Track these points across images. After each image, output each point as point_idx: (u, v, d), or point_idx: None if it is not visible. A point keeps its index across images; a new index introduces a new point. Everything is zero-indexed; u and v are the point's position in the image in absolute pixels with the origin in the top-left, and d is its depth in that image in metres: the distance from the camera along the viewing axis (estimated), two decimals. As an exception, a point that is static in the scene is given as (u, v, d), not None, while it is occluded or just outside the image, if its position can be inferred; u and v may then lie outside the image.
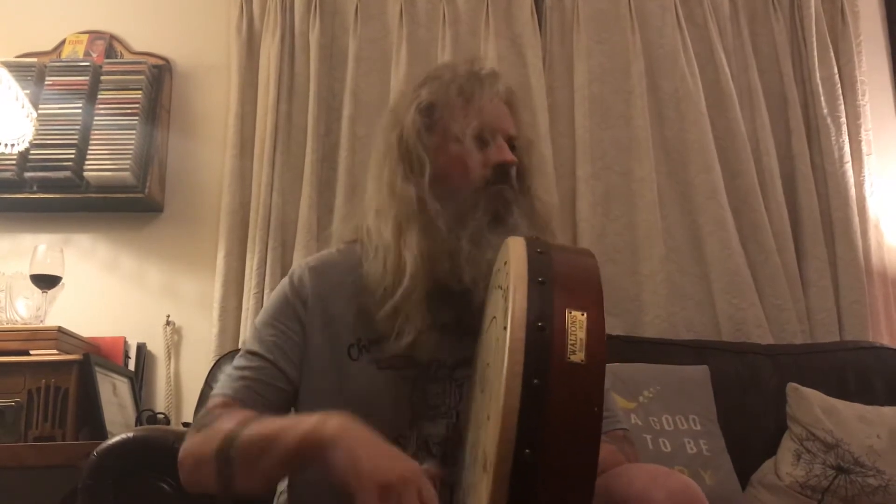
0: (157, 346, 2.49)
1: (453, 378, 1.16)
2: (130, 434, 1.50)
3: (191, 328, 2.50)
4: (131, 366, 2.42)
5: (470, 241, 1.10)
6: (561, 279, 0.84)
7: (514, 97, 1.26)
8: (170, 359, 2.46)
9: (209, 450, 1.02)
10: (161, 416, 2.27)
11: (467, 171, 1.15)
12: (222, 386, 1.17)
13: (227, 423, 1.04)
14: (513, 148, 1.19)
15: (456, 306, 1.13)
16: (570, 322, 0.80)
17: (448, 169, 1.16)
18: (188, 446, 1.09)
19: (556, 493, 0.77)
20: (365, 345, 1.15)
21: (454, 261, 1.10)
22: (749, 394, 2.15)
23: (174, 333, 2.49)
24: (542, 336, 0.79)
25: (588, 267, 0.89)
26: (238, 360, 1.18)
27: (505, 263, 0.92)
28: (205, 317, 2.47)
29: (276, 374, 1.15)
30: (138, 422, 2.22)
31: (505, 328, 0.81)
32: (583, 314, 0.81)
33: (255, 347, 1.18)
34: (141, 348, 2.46)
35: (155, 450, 1.49)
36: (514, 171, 1.18)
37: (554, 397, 0.77)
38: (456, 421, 1.14)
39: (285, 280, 1.23)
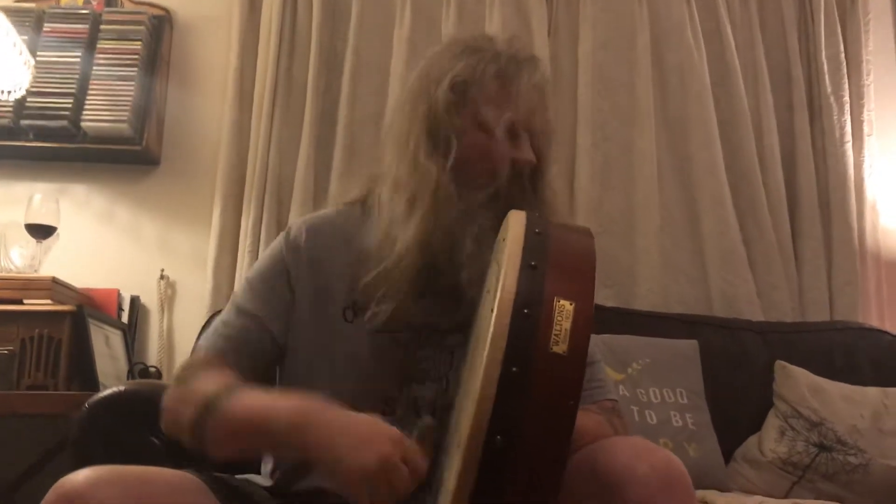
0: (150, 300, 2.49)
1: (445, 344, 1.15)
2: (122, 388, 1.51)
3: (185, 283, 2.51)
4: (124, 318, 2.43)
5: (474, 240, 1.08)
6: (554, 264, 0.83)
7: (548, 86, 1.22)
8: (163, 313, 2.47)
9: (187, 415, 1.03)
10: (153, 369, 2.28)
11: (491, 162, 1.13)
12: (208, 340, 1.17)
13: (207, 386, 1.04)
14: (535, 136, 1.17)
15: (449, 279, 1.12)
16: (557, 311, 0.79)
17: (471, 155, 1.13)
18: (169, 401, 1.10)
19: (523, 482, 0.77)
20: (361, 307, 1.14)
21: (455, 254, 1.09)
22: (737, 369, 2.17)
23: (168, 287, 2.49)
24: (526, 323, 0.78)
25: (584, 252, 0.88)
26: (226, 314, 1.18)
27: (504, 240, 0.92)
28: (199, 272, 2.46)
29: (263, 332, 1.15)
30: (130, 374, 2.24)
31: (492, 311, 0.81)
32: (571, 303, 0.80)
33: (245, 303, 1.17)
34: (134, 301, 2.47)
35: (146, 404, 1.48)
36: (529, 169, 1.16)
37: (531, 387, 0.77)
38: (446, 387, 1.14)
39: (281, 236, 1.22)
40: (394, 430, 0.89)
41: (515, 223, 0.90)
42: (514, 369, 0.77)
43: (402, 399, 1.14)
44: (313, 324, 1.16)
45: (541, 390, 0.77)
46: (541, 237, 0.87)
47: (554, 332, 0.78)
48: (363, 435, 0.89)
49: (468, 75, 1.15)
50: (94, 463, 1.45)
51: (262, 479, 1.24)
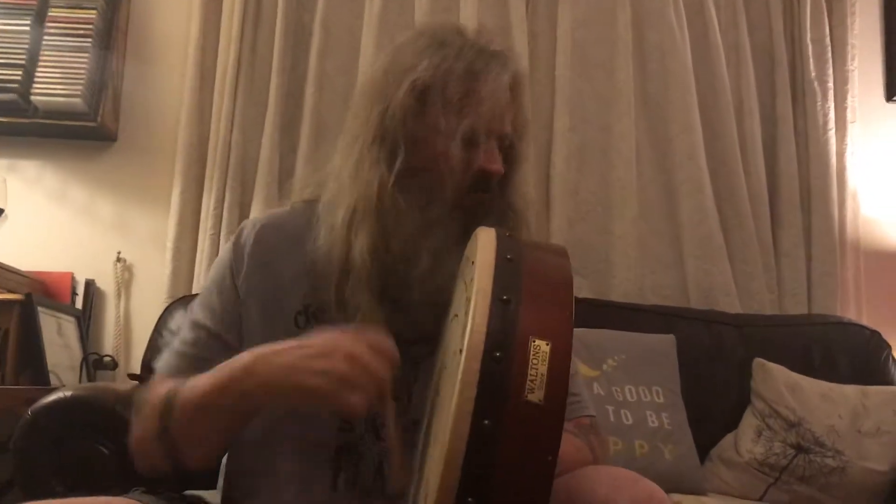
0: (106, 284, 2.38)
1: (409, 355, 1.06)
2: (68, 393, 1.43)
3: (143, 266, 2.40)
4: (79, 303, 2.32)
5: (431, 255, 1.01)
6: (528, 297, 0.74)
7: (520, 82, 1.12)
8: (120, 297, 2.36)
9: (149, 427, 0.97)
10: (108, 358, 2.19)
11: (448, 171, 1.04)
12: (165, 362, 1.10)
13: (160, 391, 0.98)
14: (504, 138, 1.09)
15: (409, 292, 1.04)
16: (532, 353, 0.71)
17: (428, 164, 1.05)
18: (134, 432, 1.02)
19: None
20: (314, 312, 1.07)
21: (407, 270, 1.01)
22: (714, 365, 2.12)
23: (125, 271, 2.39)
24: (498, 369, 0.70)
25: (561, 280, 0.79)
26: (183, 332, 1.11)
27: (472, 262, 0.83)
28: (158, 255, 2.36)
29: (220, 346, 1.07)
30: (84, 364, 2.13)
31: (460, 351, 0.73)
32: (547, 343, 0.71)
33: (200, 317, 1.10)
34: (89, 285, 2.36)
35: (94, 410, 1.42)
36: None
37: (505, 442, 0.69)
38: (408, 403, 1.07)
39: (230, 241, 1.15)
40: (344, 331, 0.88)
41: (485, 246, 0.81)
42: (485, 422, 0.69)
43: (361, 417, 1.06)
44: (263, 330, 1.08)
45: (515, 445, 0.70)
46: (513, 264, 0.78)
47: (529, 378, 0.70)
48: (316, 347, 0.88)
49: (429, 77, 1.05)
50: (36, 473, 1.40)
51: (212, 497, 1.18)
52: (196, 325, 1.10)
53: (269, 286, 1.09)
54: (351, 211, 1.03)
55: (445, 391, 0.80)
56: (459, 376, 0.71)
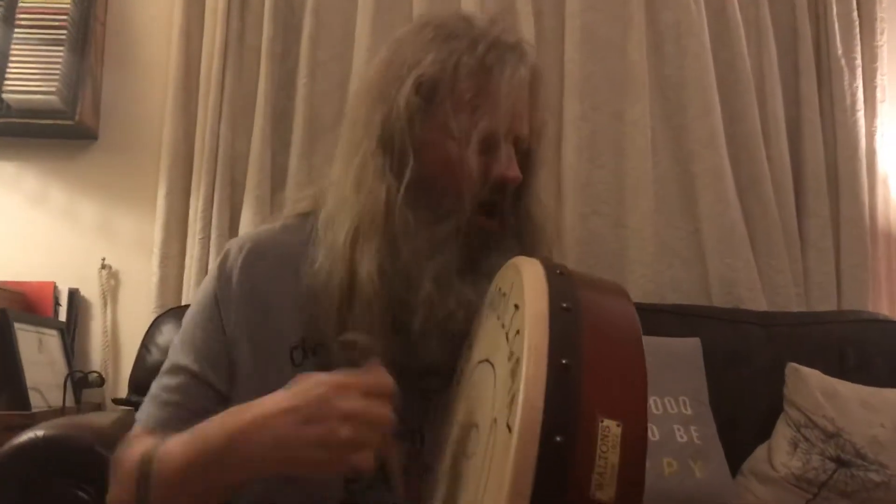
0: (91, 293, 2.24)
1: (419, 388, 0.94)
2: (40, 433, 1.29)
3: (129, 272, 2.26)
4: (62, 315, 2.18)
5: (433, 281, 0.89)
6: (592, 360, 0.60)
7: (538, 78, 0.99)
8: (106, 307, 2.22)
9: (126, 493, 0.86)
10: (94, 375, 2.05)
11: (460, 179, 0.92)
12: (145, 412, 0.98)
13: (136, 453, 0.87)
14: (521, 141, 0.97)
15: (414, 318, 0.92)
16: (600, 437, 0.57)
17: (436, 170, 0.93)
18: (111, 493, 0.92)
19: None
20: (311, 347, 0.96)
21: (409, 294, 0.89)
22: (741, 369, 1.99)
23: (110, 278, 2.25)
24: (559, 456, 0.56)
25: (629, 334, 0.64)
26: (163, 378, 0.99)
27: (516, 306, 0.67)
28: (144, 261, 2.22)
29: (203, 390, 0.96)
30: (68, 382, 2.00)
31: (509, 428, 0.58)
32: (618, 424, 0.57)
33: (179, 358, 0.98)
34: (73, 294, 2.22)
35: (70, 451, 1.29)
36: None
37: None
38: (421, 446, 0.95)
39: (214, 267, 1.02)
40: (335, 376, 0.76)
41: (534, 288, 0.65)
42: None
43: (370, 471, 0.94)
44: (255, 370, 0.96)
45: None
46: (571, 315, 0.63)
47: (597, 469, 0.56)
48: (307, 408, 0.75)
49: (437, 72, 0.93)
50: (9, 524, 1.27)
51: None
52: (178, 369, 0.98)
53: (260, 319, 0.97)
54: (354, 228, 0.91)
55: (484, 467, 0.66)
56: (511, 462, 0.57)
